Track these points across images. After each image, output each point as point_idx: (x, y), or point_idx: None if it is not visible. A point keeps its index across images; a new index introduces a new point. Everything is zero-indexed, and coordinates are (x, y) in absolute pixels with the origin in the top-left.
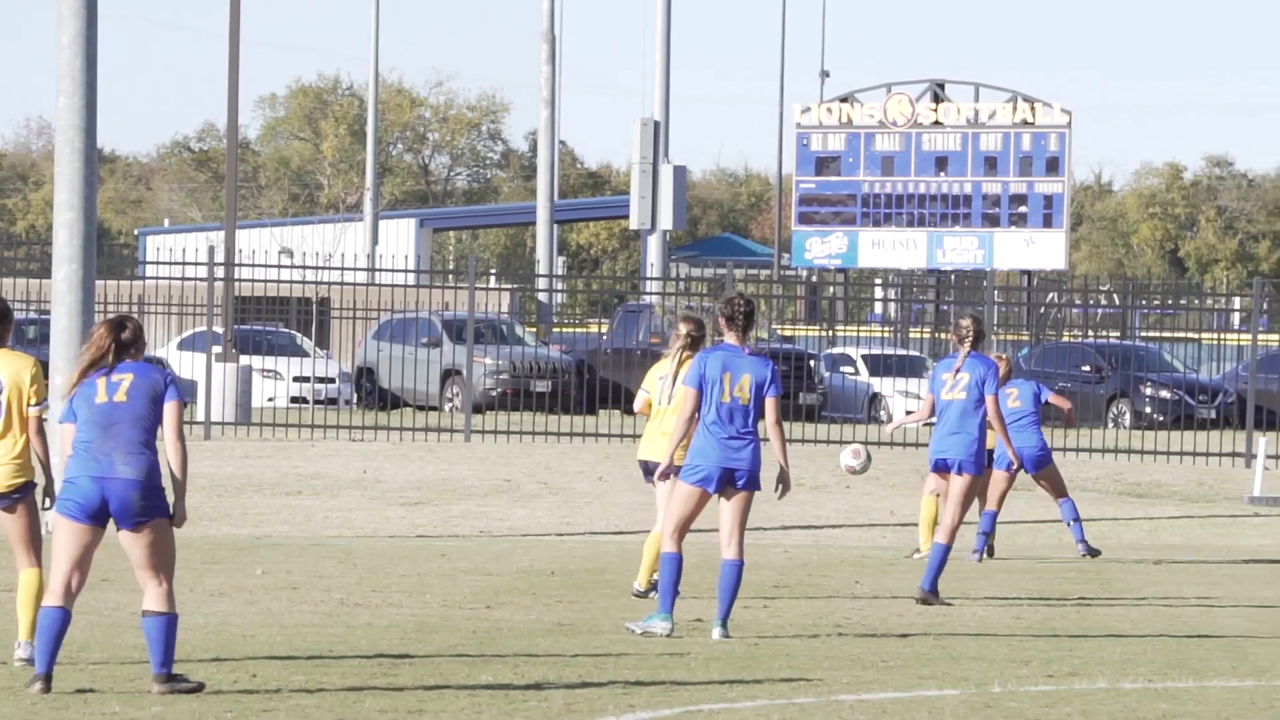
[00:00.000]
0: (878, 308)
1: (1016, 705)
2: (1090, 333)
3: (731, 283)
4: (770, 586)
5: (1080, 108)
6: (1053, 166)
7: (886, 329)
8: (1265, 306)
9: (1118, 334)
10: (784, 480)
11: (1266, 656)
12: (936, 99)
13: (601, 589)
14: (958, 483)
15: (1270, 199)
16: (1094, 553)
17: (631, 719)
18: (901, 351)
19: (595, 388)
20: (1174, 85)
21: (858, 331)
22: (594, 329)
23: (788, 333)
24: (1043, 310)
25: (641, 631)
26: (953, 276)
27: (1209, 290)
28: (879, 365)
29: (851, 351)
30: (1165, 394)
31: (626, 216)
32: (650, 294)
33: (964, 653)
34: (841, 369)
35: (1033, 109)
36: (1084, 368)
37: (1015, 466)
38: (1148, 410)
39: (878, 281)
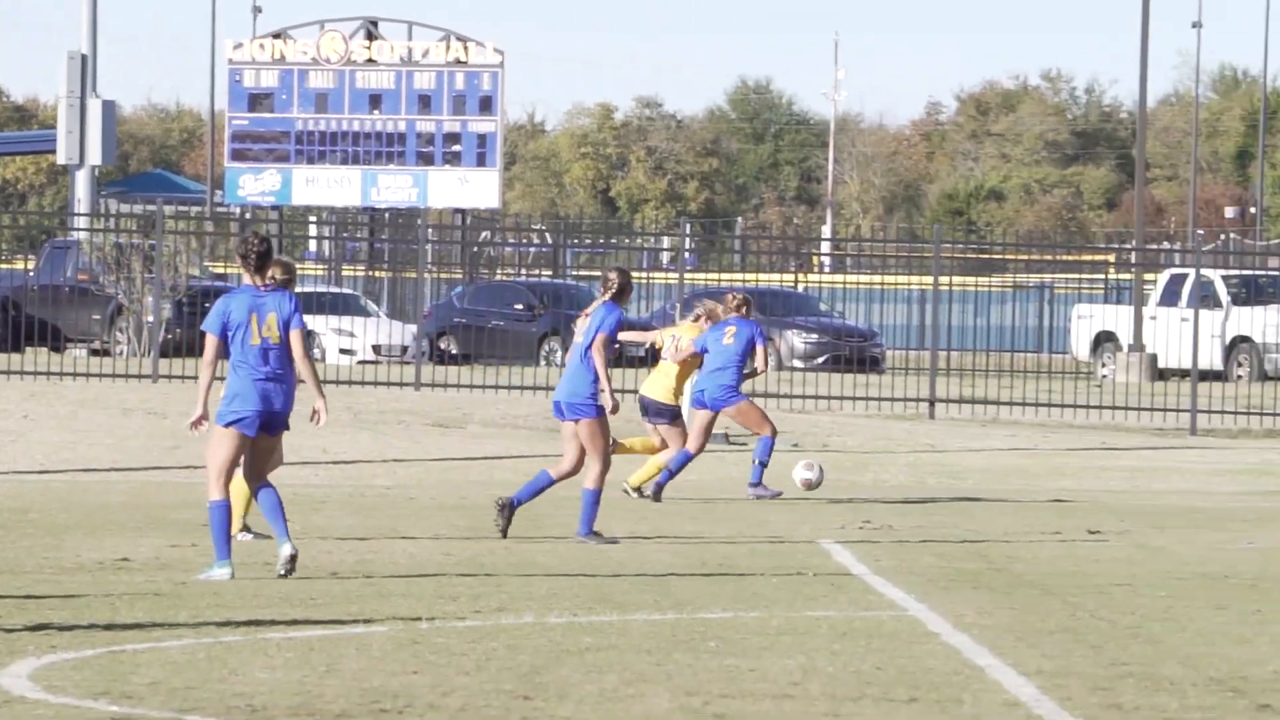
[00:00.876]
0: (312, 245)
1: (443, 641)
2: (523, 271)
3: (161, 219)
4: (199, 524)
5: (512, 48)
6: (486, 106)
7: (321, 267)
8: (692, 245)
9: (550, 272)
10: (321, 409)
11: (688, 590)
12: (370, 36)
13: (24, 528)
14: (567, 429)
15: (698, 140)
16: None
17: (53, 659)
18: (335, 289)
19: (21, 325)
20: (605, 26)
21: None
22: (20, 265)
23: (220, 270)
24: (476, 249)
25: (205, 577)
26: (387, 214)
27: (639, 229)
28: (312, 303)
29: None
30: None
31: (54, 151)
32: (78, 230)
33: (393, 590)
34: None
35: (466, 48)
36: (517, 306)
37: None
38: None
39: (312, 219)
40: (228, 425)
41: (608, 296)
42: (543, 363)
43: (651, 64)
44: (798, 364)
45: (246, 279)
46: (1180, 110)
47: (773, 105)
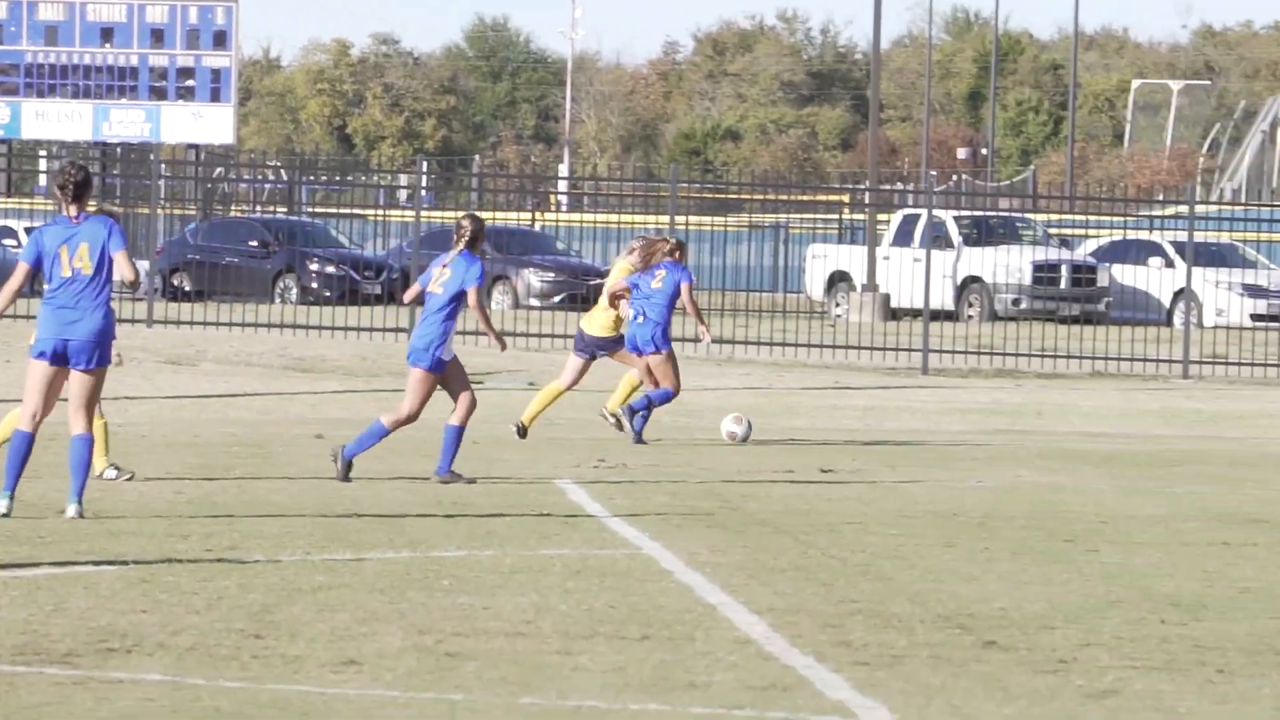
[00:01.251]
0: (42, 180)
1: (174, 579)
2: (258, 208)
3: None
4: None
5: None
6: (220, 40)
7: (51, 202)
8: (429, 183)
9: (285, 209)
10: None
11: (423, 529)
12: None
13: None
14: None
15: (435, 77)
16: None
17: None
18: None
19: None
20: None
21: (19, 204)
22: None
23: None
24: (210, 185)
25: None
26: (119, 149)
27: (376, 167)
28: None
29: (14, 224)
30: (331, 270)
31: None
32: None
33: (124, 529)
34: (4, 242)
35: None
36: (252, 243)
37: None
38: (314, 286)
39: (42, 153)
40: (35, 357)
41: (462, 245)
42: (277, 300)
43: (388, 0)
44: (534, 302)
45: (63, 209)
46: (914, 52)
47: (510, 43)
